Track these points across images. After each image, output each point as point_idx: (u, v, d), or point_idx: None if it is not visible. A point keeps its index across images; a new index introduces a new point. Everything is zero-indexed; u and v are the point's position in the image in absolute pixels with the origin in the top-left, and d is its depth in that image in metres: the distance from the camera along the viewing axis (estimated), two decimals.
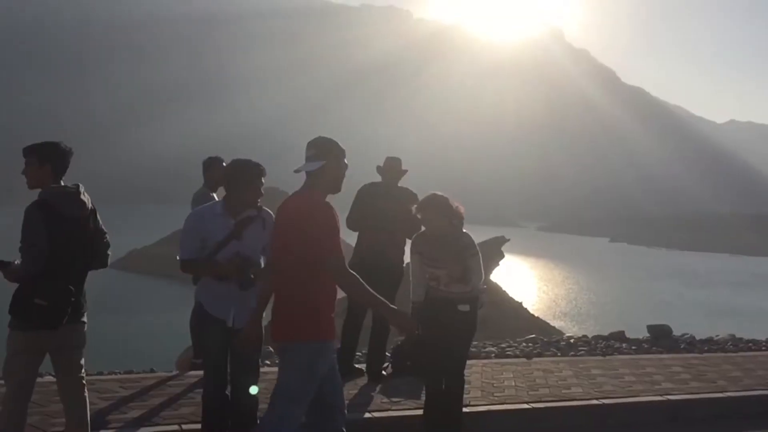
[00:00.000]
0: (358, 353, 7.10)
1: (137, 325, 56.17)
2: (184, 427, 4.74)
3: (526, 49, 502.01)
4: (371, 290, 3.56)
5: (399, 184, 6.61)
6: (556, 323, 51.54)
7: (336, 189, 3.70)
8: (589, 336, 9.08)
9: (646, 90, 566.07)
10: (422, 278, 4.95)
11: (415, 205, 5.00)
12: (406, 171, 6.69)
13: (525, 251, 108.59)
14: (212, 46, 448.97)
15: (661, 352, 8.25)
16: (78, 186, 3.98)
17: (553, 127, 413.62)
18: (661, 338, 8.81)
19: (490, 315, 26.58)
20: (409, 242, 6.71)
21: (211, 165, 6.34)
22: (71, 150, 4.06)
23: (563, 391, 6.21)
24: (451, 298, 4.82)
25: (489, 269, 31.03)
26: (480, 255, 4.86)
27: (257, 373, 4.35)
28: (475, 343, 9.62)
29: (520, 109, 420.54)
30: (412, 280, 5.00)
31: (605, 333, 9.31)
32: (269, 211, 4.33)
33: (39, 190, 3.97)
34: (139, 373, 6.35)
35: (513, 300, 41.33)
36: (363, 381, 6.24)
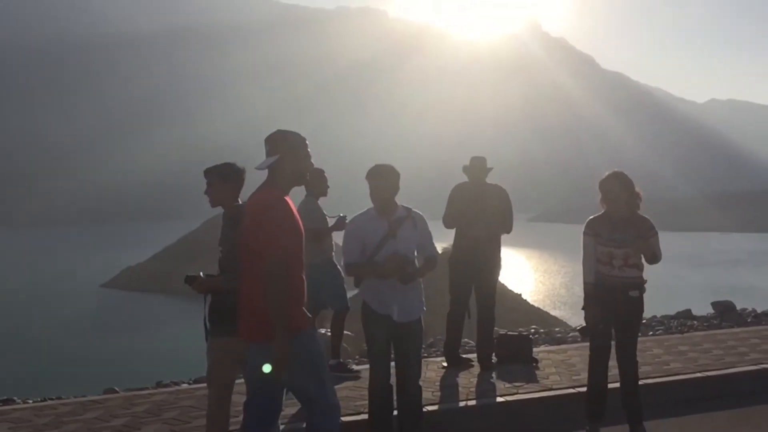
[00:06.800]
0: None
1: (147, 341, 55.71)
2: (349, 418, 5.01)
3: (502, 42, 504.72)
4: (286, 311, 3.36)
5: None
6: (555, 312, 51.99)
7: (299, 181, 3.61)
8: (658, 316, 9.43)
9: (626, 75, 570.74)
10: (593, 261, 4.98)
11: (604, 177, 4.92)
12: (491, 168, 6.99)
13: (519, 243, 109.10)
14: (191, 58, 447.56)
15: (731, 327, 8.62)
16: None
17: (531, 118, 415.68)
18: (726, 313, 9.18)
19: None
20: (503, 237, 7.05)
21: (316, 176, 6.60)
22: (245, 169, 4.35)
23: (664, 368, 6.53)
24: (622, 283, 4.88)
25: None
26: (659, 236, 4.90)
27: (420, 364, 4.66)
28: (558, 329, 9.96)
29: (498, 102, 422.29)
30: (584, 262, 5.01)
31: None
32: (419, 212, 4.64)
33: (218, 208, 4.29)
34: None
35: (512, 292, 41.66)
36: (475, 370, 6.53)
